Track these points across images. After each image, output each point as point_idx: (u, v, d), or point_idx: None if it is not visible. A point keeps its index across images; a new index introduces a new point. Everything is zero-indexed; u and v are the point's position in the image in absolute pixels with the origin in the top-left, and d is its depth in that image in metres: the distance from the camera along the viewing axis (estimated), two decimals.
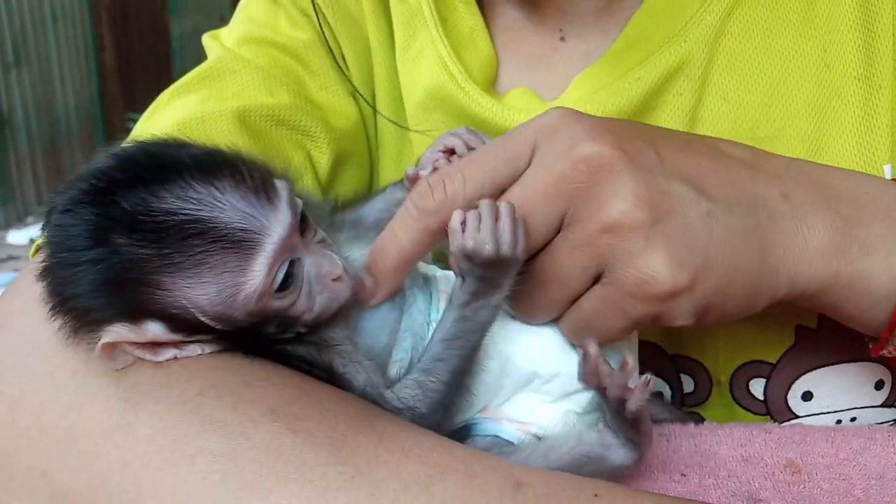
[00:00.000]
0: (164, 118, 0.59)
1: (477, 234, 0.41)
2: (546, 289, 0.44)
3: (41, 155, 4.07)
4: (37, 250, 0.50)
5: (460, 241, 0.41)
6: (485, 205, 0.41)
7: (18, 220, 3.97)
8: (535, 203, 0.43)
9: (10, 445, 0.41)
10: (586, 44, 0.62)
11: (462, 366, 0.44)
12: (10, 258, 3.56)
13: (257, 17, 0.66)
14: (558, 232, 0.43)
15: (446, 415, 0.45)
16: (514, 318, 0.48)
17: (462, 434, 0.48)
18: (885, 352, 0.48)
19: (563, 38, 0.63)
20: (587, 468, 0.45)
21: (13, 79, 3.83)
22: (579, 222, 0.42)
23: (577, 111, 0.46)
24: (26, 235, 3.80)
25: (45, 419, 0.41)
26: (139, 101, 4.46)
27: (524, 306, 0.46)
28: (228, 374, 0.42)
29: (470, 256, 0.41)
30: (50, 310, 0.41)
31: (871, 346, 0.49)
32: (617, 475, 0.47)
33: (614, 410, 0.44)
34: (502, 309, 0.46)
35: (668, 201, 0.42)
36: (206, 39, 0.66)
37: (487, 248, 0.41)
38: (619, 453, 0.46)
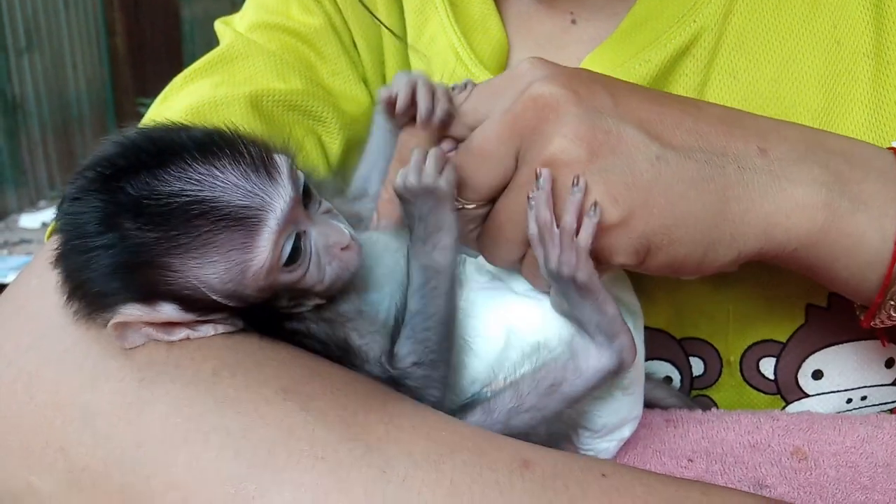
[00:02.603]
0: (176, 103, 0.60)
1: (407, 171, 0.44)
2: (502, 229, 0.46)
3: (53, 139, 4.09)
4: (52, 233, 0.51)
5: (397, 179, 0.44)
6: (415, 149, 0.45)
7: (31, 204, 4.00)
8: (489, 143, 0.45)
9: (28, 422, 0.42)
10: (596, 26, 0.61)
11: (440, 312, 0.45)
12: (23, 241, 3.59)
13: (269, 3, 0.66)
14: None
15: (451, 369, 0.46)
16: (515, 291, 0.49)
17: (469, 409, 0.48)
18: (877, 321, 0.47)
19: (573, 21, 0.62)
20: (565, 390, 0.45)
21: (25, 64, 3.84)
22: (525, 161, 0.44)
23: (547, 60, 0.47)
24: (38, 219, 3.82)
25: (62, 396, 0.42)
26: (150, 86, 4.48)
27: (489, 248, 0.48)
28: (241, 354, 0.42)
29: (401, 192, 0.44)
30: (65, 295, 0.42)
31: (861, 318, 0.48)
32: (606, 386, 0.47)
33: (573, 293, 0.44)
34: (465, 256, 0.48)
35: (611, 141, 0.43)
36: (219, 25, 0.67)
37: (410, 178, 0.43)
38: (593, 355, 0.46)
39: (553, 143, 0.43)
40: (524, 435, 0.44)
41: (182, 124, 0.43)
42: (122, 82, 4.42)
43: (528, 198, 0.43)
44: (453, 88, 0.49)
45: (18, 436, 0.42)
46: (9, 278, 2.62)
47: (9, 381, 0.44)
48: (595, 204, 0.42)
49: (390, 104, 0.50)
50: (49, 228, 0.52)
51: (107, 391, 0.41)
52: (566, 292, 0.45)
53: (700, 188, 0.43)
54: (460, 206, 0.46)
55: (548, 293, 0.47)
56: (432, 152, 0.44)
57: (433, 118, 0.48)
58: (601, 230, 0.42)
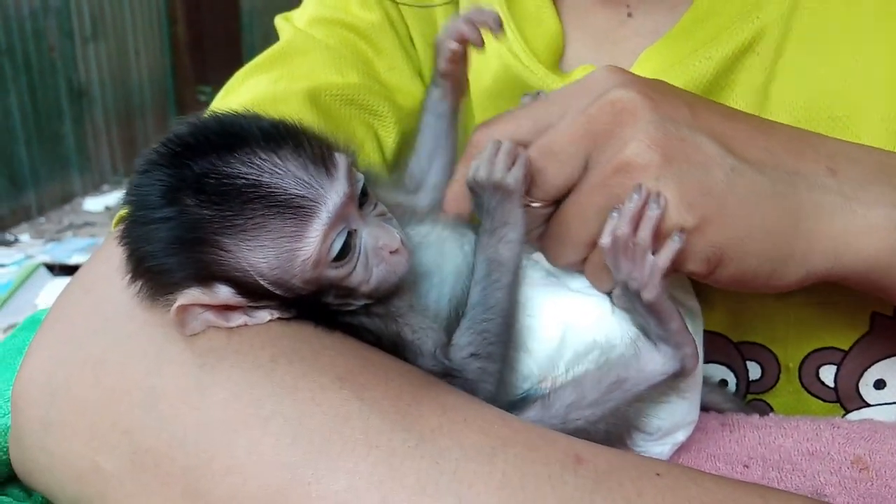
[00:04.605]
0: (237, 97, 0.61)
1: (478, 164, 0.45)
2: (569, 229, 0.46)
3: (116, 126, 4.21)
4: (118, 221, 0.53)
5: (468, 171, 0.46)
6: (489, 143, 0.45)
7: (95, 188, 4.13)
8: (561, 143, 0.45)
9: (94, 404, 0.44)
10: (654, 19, 0.60)
11: (500, 304, 0.45)
12: (87, 224, 3.71)
13: None
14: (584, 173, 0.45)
15: (506, 364, 0.46)
16: (572, 289, 0.48)
17: (523, 405, 0.48)
18: None
19: (630, 14, 0.61)
20: (626, 387, 0.45)
21: (90, 52, 3.96)
22: (598, 163, 0.44)
23: (624, 69, 0.47)
24: (102, 203, 3.95)
25: (127, 380, 0.43)
26: (210, 74, 4.58)
27: (552, 248, 0.48)
28: (298, 342, 0.43)
29: (472, 184, 0.45)
30: (128, 271, 0.44)
31: None
32: (665, 388, 0.46)
33: (639, 305, 0.45)
34: (528, 252, 0.48)
35: (687, 149, 0.43)
36: (279, 21, 0.68)
37: (480, 173, 0.44)
38: (653, 359, 0.45)
39: (628, 147, 0.43)
40: (581, 431, 0.44)
41: (253, 113, 0.44)
42: (182, 71, 4.53)
43: (614, 208, 0.43)
44: (524, 97, 0.49)
45: (86, 417, 0.43)
46: (73, 259, 2.72)
47: (79, 363, 0.45)
48: (682, 231, 0.42)
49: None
50: (116, 217, 0.54)
51: (169, 375, 0.42)
52: (632, 301, 0.45)
53: (774, 203, 0.43)
54: (526, 204, 0.46)
55: (608, 293, 0.47)
56: (504, 147, 0.44)
57: None
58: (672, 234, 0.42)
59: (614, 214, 0.43)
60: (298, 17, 0.67)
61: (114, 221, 0.54)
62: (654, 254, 0.43)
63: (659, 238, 0.42)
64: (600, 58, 0.61)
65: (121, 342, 0.45)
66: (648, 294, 0.43)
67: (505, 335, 0.45)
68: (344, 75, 0.62)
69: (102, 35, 4.01)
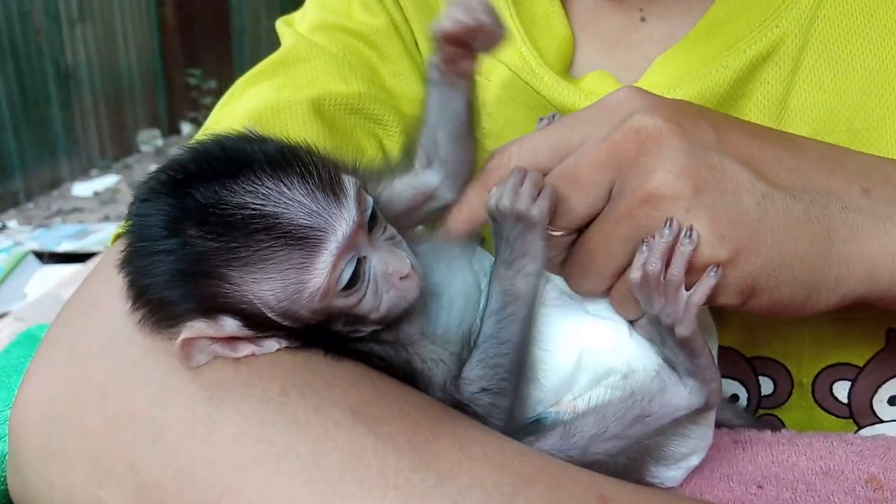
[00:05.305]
0: (239, 106, 0.59)
1: (501, 192, 0.43)
2: (593, 259, 0.44)
3: (104, 109, 4.16)
4: (116, 238, 0.51)
5: (489, 198, 0.44)
6: (514, 170, 0.44)
7: (83, 173, 4.09)
8: (584, 171, 0.43)
9: (97, 434, 0.42)
10: (668, 24, 0.59)
11: (514, 339, 0.44)
12: (76, 210, 3.68)
13: (330, 2, 0.65)
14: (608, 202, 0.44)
15: (517, 395, 0.45)
16: (590, 312, 0.47)
17: (534, 428, 0.47)
18: None
19: (643, 18, 0.60)
20: (650, 422, 0.44)
21: (78, 34, 3.90)
22: (624, 193, 0.42)
23: (645, 90, 0.45)
24: (91, 188, 3.91)
25: (132, 410, 0.42)
26: (199, 57, 4.53)
27: (575, 277, 0.46)
28: (309, 373, 0.42)
29: (493, 213, 0.44)
30: (129, 302, 0.42)
31: None
32: (686, 421, 0.45)
33: (669, 339, 0.43)
34: (551, 287, 0.46)
35: (716, 177, 0.41)
36: (280, 26, 0.66)
37: (504, 202, 0.43)
38: (678, 393, 0.44)
39: (656, 176, 0.41)
40: (600, 464, 0.43)
41: (258, 136, 0.43)
42: (171, 53, 4.47)
43: (643, 241, 0.42)
44: (539, 122, 0.47)
45: (88, 448, 0.42)
46: (62, 247, 2.69)
47: (80, 389, 0.44)
48: (717, 266, 0.41)
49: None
50: (114, 233, 0.52)
51: (176, 407, 0.41)
52: (661, 333, 0.44)
53: (807, 228, 0.42)
54: (547, 233, 0.44)
55: (631, 321, 0.46)
56: (530, 176, 0.43)
57: None
58: (705, 268, 0.41)
59: (644, 248, 0.42)
60: (300, 21, 0.66)
61: (111, 238, 0.53)
62: (686, 288, 0.41)
63: (691, 272, 0.41)
64: (612, 63, 0.60)
65: (123, 368, 0.43)
66: (683, 330, 0.42)
67: (518, 370, 0.44)
68: (348, 83, 0.60)
69: (89, 17, 3.95)
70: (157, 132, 4.52)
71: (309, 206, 0.39)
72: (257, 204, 0.39)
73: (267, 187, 0.39)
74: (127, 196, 3.69)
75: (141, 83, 4.36)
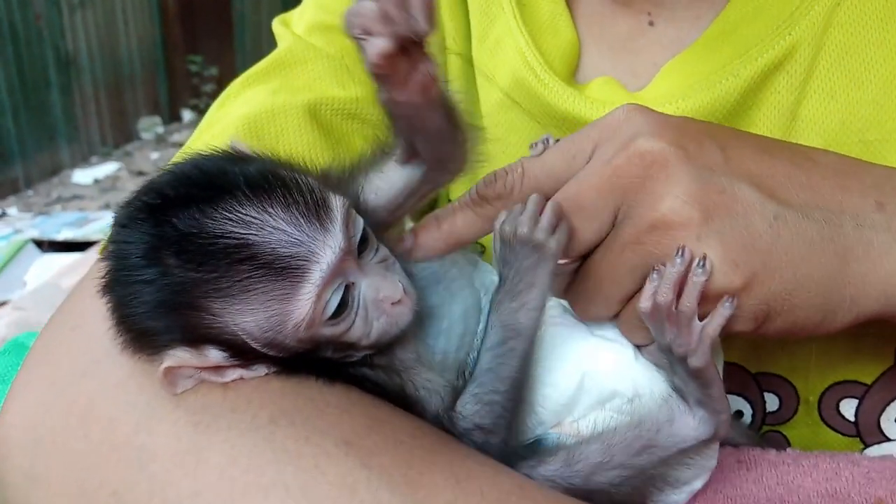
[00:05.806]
0: (235, 109, 0.58)
1: (517, 218, 0.41)
2: (599, 287, 0.43)
3: (105, 96, 4.14)
4: (104, 250, 0.50)
5: (500, 222, 0.42)
6: (532, 197, 0.42)
7: (83, 160, 4.07)
8: (588, 197, 0.42)
9: (82, 460, 0.41)
10: (677, 29, 0.57)
11: (513, 375, 0.43)
12: (76, 197, 3.66)
13: (328, 2, 0.63)
14: (613, 228, 0.42)
15: (511, 429, 0.44)
16: (594, 334, 0.46)
17: (534, 449, 0.46)
18: None
19: (651, 23, 0.58)
20: (656, 452, 0.43)
21: (78, 20, 3.87)
22: (630, 219, 0.41)
23: (646, 108, 0.44)
24: (91, 175, 3.89)
25: (116, 436, 0.41)
26: (200, 44, 4.50)
27: (581, 304, 0.45)
28: (300, 399, 0.40)
29: (505, 237, 0.42)
30: (112, 327, 0.41)
31: None
32: (693, 451, 0.44)
33: (681, 368, 0.42)
34: (562, 315, 0.44)
35: (726, 201, 0.40)
36: (277, 26, 0.64)
37: (522, 229, 0.41)
38: (687, 423, 0.43)
39: (664, 203, 0.40)
40: (602, 492, 0.42)
41: (240, 155, 0.41)
42: (172, 39, 4.44)
43: (654, 269, 0.40)
44: (532, 147, 0.45)
45: (72, 473, 0.41)
46: (62, 234, 2.68)
47: (65, 411, 0.43)
48: (732, 297, 0.39)
49: None
50: (101, 247, 0.51)
51: (161, 434, 0.40)
52: (671, 362, 0.42)
53: (820, 250, 0.40)
54: None
55: (637, 345, 0.45)
56: (550, 205, 0.41)
57: None
58: (718, 297, 0.39)
59: (654, 276, 0.40)
60: (297, 20, 0.64)
61: (99, 249, 0.51)
62: (700, 318, 0.40)
63: (704, 301, 0.39)
64: (619, 68, 0.58)
65: (108, 390, 0.42)
66: (697, 361, 0.41)
67: (514, 407, 0.43)
68: (345, 88, 0.59)
69: (90, 2, 3.91)
70: (157, 119, 4.50)
71: (291, 234, 0.38)
72: (237, 232, 0.37)
73: (247, 214, 0.37)
74: (127, 183, 3.68)
75: (142, 70, 4.33)
